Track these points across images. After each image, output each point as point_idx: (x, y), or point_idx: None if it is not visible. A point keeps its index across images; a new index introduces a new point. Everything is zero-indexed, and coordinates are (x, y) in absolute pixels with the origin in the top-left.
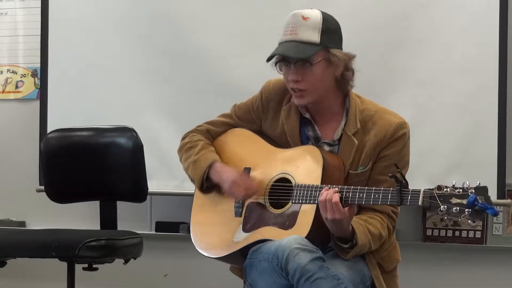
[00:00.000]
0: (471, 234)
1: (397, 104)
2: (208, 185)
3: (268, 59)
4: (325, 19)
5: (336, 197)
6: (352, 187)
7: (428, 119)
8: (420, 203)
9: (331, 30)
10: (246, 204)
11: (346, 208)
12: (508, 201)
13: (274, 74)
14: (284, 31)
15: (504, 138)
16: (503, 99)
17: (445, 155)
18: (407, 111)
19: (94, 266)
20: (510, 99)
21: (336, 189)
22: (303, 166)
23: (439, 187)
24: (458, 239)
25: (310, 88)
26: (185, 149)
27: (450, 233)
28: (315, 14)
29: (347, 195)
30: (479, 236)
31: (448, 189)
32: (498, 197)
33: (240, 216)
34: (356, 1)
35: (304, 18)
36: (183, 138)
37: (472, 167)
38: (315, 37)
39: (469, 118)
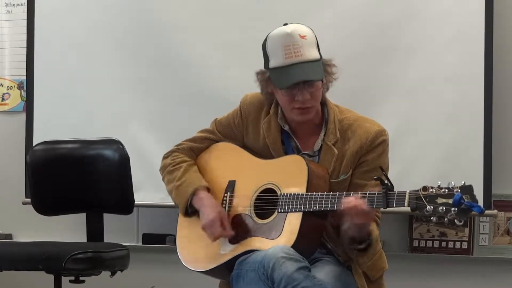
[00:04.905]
0: (457, 245)
1: (384, 113)
2: (192, 210)
3: (289, 86)
4: (313, 32)
5: (366, 204)
6: (345, 192)
7: (414, 129)
8: (406, 204)
9: (318, 40)
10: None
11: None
12: (494, 211)
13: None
14: (286, 53)
15: (490, 148)
16: (489, 109)
17: (431, 165)
18: (393, 121)
19: (81, 278)
20: (496, 109)
21: (361, 195)
22: (288, 175)
23: (425, 188)
24: (445, 249)
25: (316, 103)
26: (167, 171)
27: (436, 244)
28: (307, 30)
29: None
30: (466, 247)
31: (434, 190)
32: (485, 208)
33: None
34: (342, 12)
35: (302, 37)
36: (165, 157)
37: (458, 177)
38: (317, 54)
39: (455, 128)
